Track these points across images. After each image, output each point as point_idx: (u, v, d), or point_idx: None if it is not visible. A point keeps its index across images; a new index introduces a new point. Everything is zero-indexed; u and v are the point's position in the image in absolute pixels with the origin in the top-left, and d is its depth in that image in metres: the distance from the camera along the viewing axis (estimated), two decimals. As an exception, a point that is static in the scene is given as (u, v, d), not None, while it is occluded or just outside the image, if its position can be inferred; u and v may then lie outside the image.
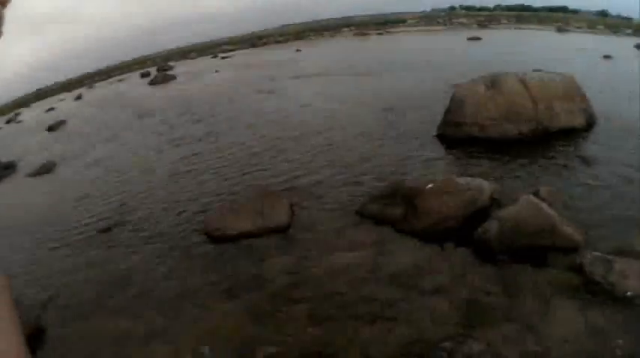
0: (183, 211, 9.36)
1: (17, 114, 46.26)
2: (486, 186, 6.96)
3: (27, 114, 42.05)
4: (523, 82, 10.27)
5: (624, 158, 8.71)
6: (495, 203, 6.87)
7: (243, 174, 10.80)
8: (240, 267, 6.82)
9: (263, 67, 32.48)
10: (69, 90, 59.30)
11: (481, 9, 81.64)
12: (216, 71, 36.77)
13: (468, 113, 10.26)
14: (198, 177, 11.36)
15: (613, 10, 69.89)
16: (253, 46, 69.32)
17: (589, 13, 73.42)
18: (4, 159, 20.07)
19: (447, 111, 10.85)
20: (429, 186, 7.09)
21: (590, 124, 10.62)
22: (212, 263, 7.13)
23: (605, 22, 51.72)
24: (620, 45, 28.82)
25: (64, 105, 41.12)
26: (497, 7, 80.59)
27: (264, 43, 69.86)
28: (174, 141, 15.70)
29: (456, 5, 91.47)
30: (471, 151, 9.78)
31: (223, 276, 6.64)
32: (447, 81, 16.67)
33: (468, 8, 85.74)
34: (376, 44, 43.69)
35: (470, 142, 10.11)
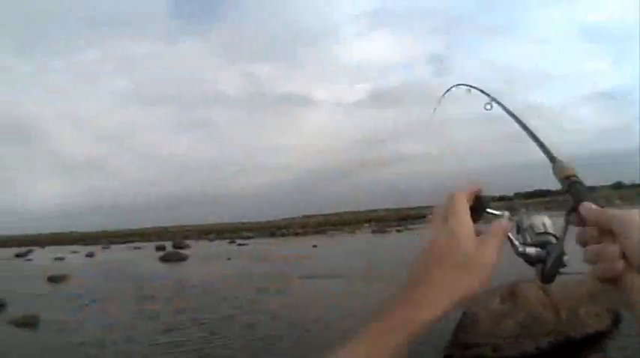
0: None
1: (29, 252, 47.92)
2: None
3: (38, 255, 42.77)
4: (544, 290, 9.65)
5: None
6: None
7: None
8: None
9: (276, 262, 32.15)
10: (85, 243, 60.99)
11: (501, 198, 78.65)
12: (229, 258, 37.23)
13: (480, 332, 9.35)
14: None
15: (627, 179, 69.93)
16: (272, 235, 70.75)
17: (605, 187, 72.20)
18: (-2, 296, 20.29)
19: (457, 330, 9.77)
20: None
21: (615, 324, 9.83)
22: None
23: (622, 195, 50.51)
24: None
25: (75, 259, 42.52)
26: (518, 196, 78.89)
27: (283, 234, 71.29)
28: (162, 335, 15.02)
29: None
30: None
31: None
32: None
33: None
34: (394, 242, 42.77)
35: None
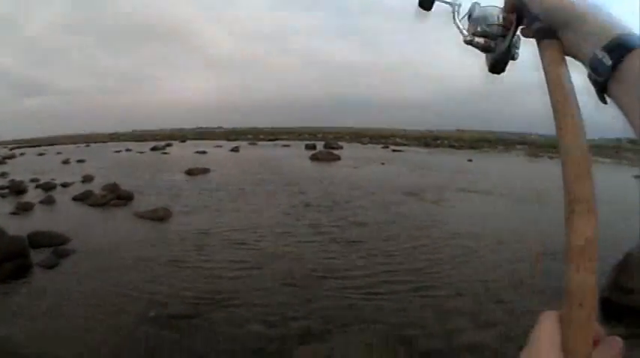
0: (274, 325, 7.49)
1: (167, 146, 47.94)
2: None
3: (176, 149, 43.83)
4: None
5: None
6: None
7: (362, 307, 8.37)
8: None
9: (431, 171, 31.06)
10: (229, 140, 61.32)
11: None
12: (383, 163, 36.16)
13: None
14: (310, 283, 9.51)
15: None
16: (427, 145, 71.80)
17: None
18: (124, 188, 19.84)
19: (620, 271, 9.03)
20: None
21: None
22: None
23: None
24: None
25: (218, 153, 42.31)
26: None
27: (438, 145, 72.53)
28: (307, 228, 14.06)
29: (622, 137, 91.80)
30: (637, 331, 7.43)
31: None
32: (614, 227, 14.09)
33: (633, 142, 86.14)
34: (547, 168, 40.98)
35: (636, 315, 8.05)
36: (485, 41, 0.96)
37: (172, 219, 15.21)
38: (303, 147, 49.85)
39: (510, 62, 0.97)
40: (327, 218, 15.19)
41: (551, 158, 55.15)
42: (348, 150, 48.32)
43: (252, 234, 13.13)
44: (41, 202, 18.06)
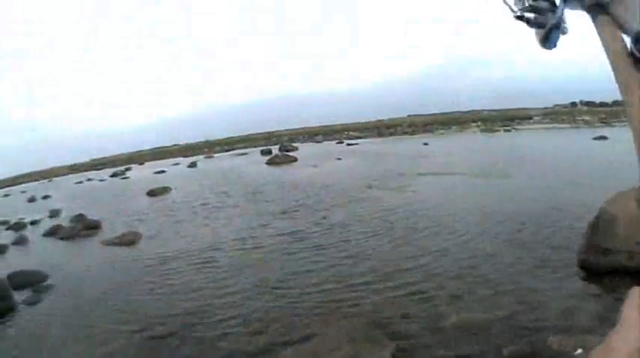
0: (259, 336, 7.58)
1: (126, 170, 47.80)
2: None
3: (135, 172, 43.57)
4: (680, 200, 8.60)
5: None
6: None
7: (341, 301, 8.62)
8: None
9: (388, 160, 31.41)
10: (186, 156, 61.02)
11: (601, 104, 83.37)
12: (339, 159, 36.40)
13: (617, 237, 8.58)
14: (287, 285, 9.79)
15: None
16: (380, 134, 70.59)
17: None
18: (91, 217, 20.15)
19: (593, 233, 9.04)
20: (578, 352, 5.55)
21: None
22: None
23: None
24: None
25: (176, 170, 42.21)
26: (615, 104, 79.11)
27: (391, 134, 71.10)
28: (277, 235, 14.22)
29: (577, 101, 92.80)
30: (620, 288, 7.49)
31: None
32: (580, 190, 14.43)
33: (589, 104, 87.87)
34: (505, 141, 41.44)
35: (615, 274, 8.20)
36: (535, 16, 0.99)
37: (141, 242, 15.53)
38: (259, 153, 49.91)
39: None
40: (294, 223, 15.44)
41: (506, 131, 55.36)
42: (304, 150, 48.35)
43: (221, 248, 13.41)
44: (14, 243, 18.24)
